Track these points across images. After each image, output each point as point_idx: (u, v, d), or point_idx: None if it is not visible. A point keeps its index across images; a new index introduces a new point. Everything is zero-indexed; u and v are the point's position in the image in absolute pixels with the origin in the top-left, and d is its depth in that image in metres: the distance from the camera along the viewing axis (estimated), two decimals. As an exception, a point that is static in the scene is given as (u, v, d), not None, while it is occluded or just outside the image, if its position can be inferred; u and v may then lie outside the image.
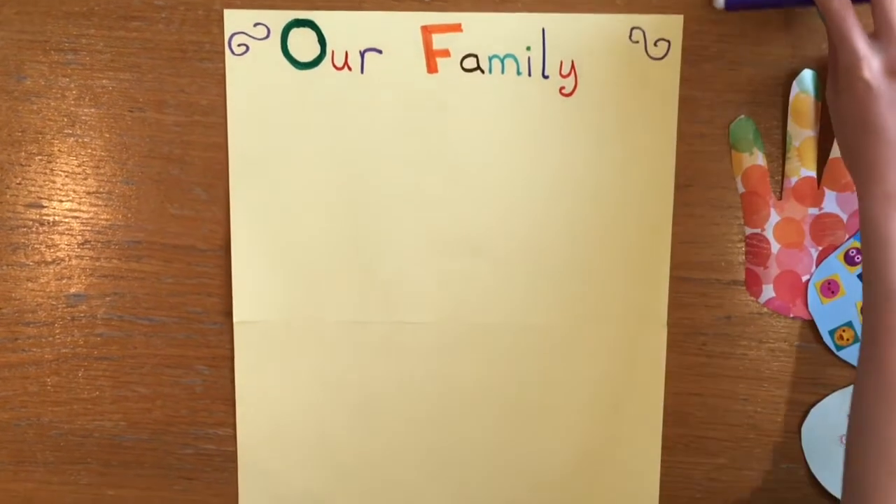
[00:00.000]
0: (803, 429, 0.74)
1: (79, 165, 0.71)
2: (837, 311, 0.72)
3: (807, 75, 0.68)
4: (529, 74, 0.69)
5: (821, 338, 0.72)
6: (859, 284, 0.70)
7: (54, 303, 0.73)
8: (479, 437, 0.74)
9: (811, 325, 0.72)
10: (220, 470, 0.76)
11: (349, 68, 0.69)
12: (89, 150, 0.71)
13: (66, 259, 0.72)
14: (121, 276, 0.72)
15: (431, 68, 0.69)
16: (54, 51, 0.70)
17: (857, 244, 0.70)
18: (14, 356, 0.73)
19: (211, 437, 0.75)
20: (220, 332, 0.73)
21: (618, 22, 0.68)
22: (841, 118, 0.62)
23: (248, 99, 0.70)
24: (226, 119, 0.70)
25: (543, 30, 0.68)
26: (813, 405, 0.74)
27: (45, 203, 0.72)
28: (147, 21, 0.69)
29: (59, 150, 0.71)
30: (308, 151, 0.70)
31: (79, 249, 0.72)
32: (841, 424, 0.73)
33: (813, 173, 0.70)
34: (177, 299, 0.73)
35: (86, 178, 0.71)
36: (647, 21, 0.68)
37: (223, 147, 0.70)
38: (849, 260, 0.71)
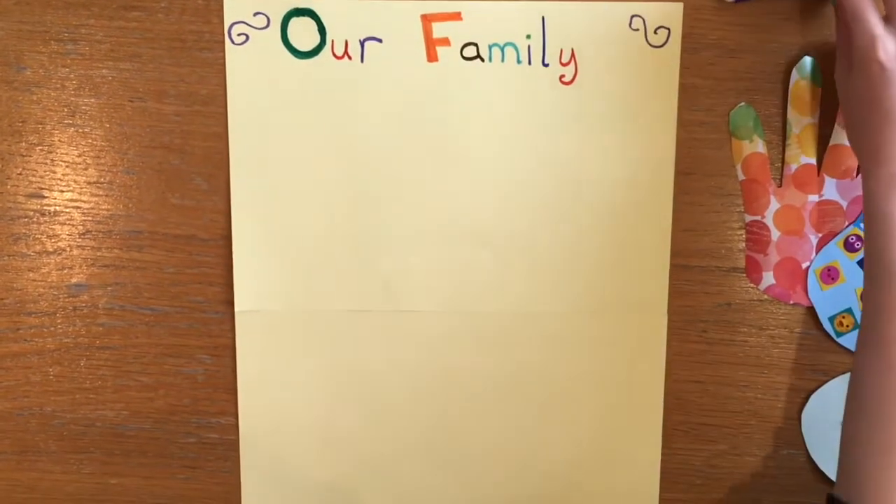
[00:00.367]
0: (803, 415, 0.74)
1: (79, 155, 0.71)
2: (837, 298, 0.72)
3: (807, 62, 0.68)
4: (529, 63, 0.69)
5: (821, 324, 0.72)
6: (859, 271, 0.71)
7: (56, 293, 0.73)
8: (480, 426, 0.74)
9: (811, 311, 0.73)
10: (223, 459, 0.76)
11: (349, 57, 0.69)
12: (90, 141, 0.71)
13: (68, 249, 0.72)
14: (122, 265, 0.72)
15: (431, 57, 0.69)
16: (54, 41, 0.70)
17: (857, 231, 0.70)
18: (16, 346, 0.74)
19: (213, 426, 0.75)
20: (221, 321, 0.73)
21: (618, 10, 0.68)
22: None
23: (248, 88, 0.70)
24: (226, 109, 0.70)
25: (543, 18, 0.68)
26: (813, 391, 0.74)
27: (46, 193, 0.72)
28: (147, 11, 0.69)
29: (59, 141, 0.71)
30: (308, 141, 0.70)
31: (80, 239, 0.72)
32: (841, 410, 0.74)
33: (813, 160, 0.70)
34: (178, 289, 0.73)
35: (86, 168, 0.71)
36: (647, 9, 0.68)
37: (223, 137, 0.70)
38: (849, 247, 0.71)
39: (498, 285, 0.72)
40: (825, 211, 0.70)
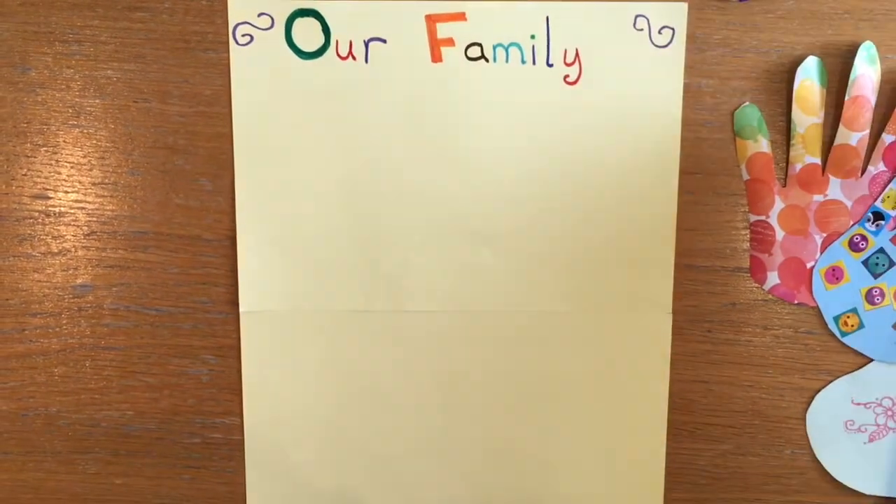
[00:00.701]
0: (808, 415, 0.74)
1: (84, 156, 0.71)
2: (842, 298, 0.72)
3: (811, 62, 0.68)
4: (534, 63, 0.69)
5: (825, 324, 0.72)
6: (864, 271, 0.71)
7: (61, 293, 0.73)
8: (484, 425, 0.74)
9: (816, 311, 0.73)
10: (227, 459, 0.76)
11: (353, 58, 0.69)
12: (94, 141, 0.71)
13: (73, 250, 0.72)
14: (127, 266, 0.73)
15: (436, 57, 0.69)
16: (59, 42, 0.70)
17: (862, 231, 0.70)
18: (21, 347, 0.74)
19: (218, 427, 0.75)
20: (226, 321, 0.73)
21: (622, 10, 0.68)
22: None
23: (252, 89, 0.70)
24: (230, 109, 0.70)
25: (547, 18, 0.68)
26: (818, 391, 0.74)
27: (50, 194, 0.72)
28: (151, 11, 0.69)
29: (64, 142, 0.71)
30: (313, 141, 0.70)
31: (85, 240, 0.72)
32: (846, 410, 0.74)
33: (817, 160, 0.70)
34: (183, 289, 0.73)
35: (91, 169, 0.71)
36: (652, 8, 0.68)
37: (228, 137, 0.70)
38: (853, 246, 0.71)
39: (502, 285, 0.72)
40: (830, 211, 0.70)
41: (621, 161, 0.70)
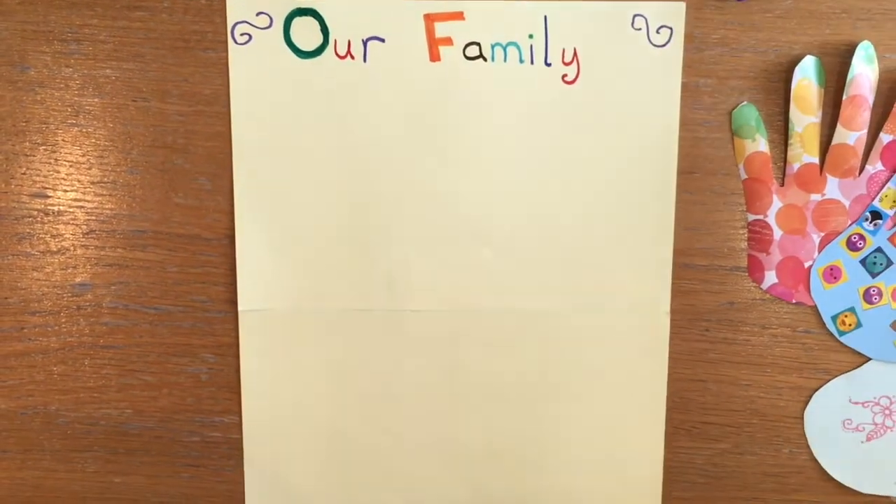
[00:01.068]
0: (806, 414, 0.74)
1: (83, 155, 0.71)
2: (840, 297, 0.72)
3: (809, 62, 0.68)
4: (532, 62, 0.69)
5: (823, 323, 0.72)
6: (861, 270, 0.71)
7: (60, 292, 0.73)
8: (483, 424, 0.75)
9: (813, 310, 0.73)
10: (226, 457, 0.76)
11: (352, 57, 0.69)
12: (93, 140, 0.71)
13: (72, 248, 0.72)
14: (126, 265, 0.73)
15: (434, 57, 0.69)
16: (58, 41, 0.70)
17: (860, 230, 0.70)
18: (20, 345, 0.74)
19: (216, 425, 0.75)
20: (224, 320, 0.73)
21: (620, 9, 0.68)
22: None
23: (250, 88, 0.70)
24: (229, 108, 0.70)
25: (546, 17, 0.68)
26: (815, 390, 0.74)
27: (49, 193, 0.72)
28: (150, 10, 0.69)
29: (63, 140, 0.71)
30: (311, 140, 0.70)
31: (84, 239, 0.72)
32: (843, 409, 0.74)
33: (815, 160, 0.70)
34: (182, 288, 0.73)
35: (90, 168, 0.71)
36: (650, 8, 0.68)
37: (227, 136, 0.71)
38: (851, 246, 0.71)
39: (501, 284, 0.72)
40: (827, 210, 0.71)
41: (619, 160, 0.70)
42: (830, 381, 0.74)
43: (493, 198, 0.71)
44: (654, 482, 0.76)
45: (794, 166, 0.70)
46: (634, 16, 0.68)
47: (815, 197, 0.71)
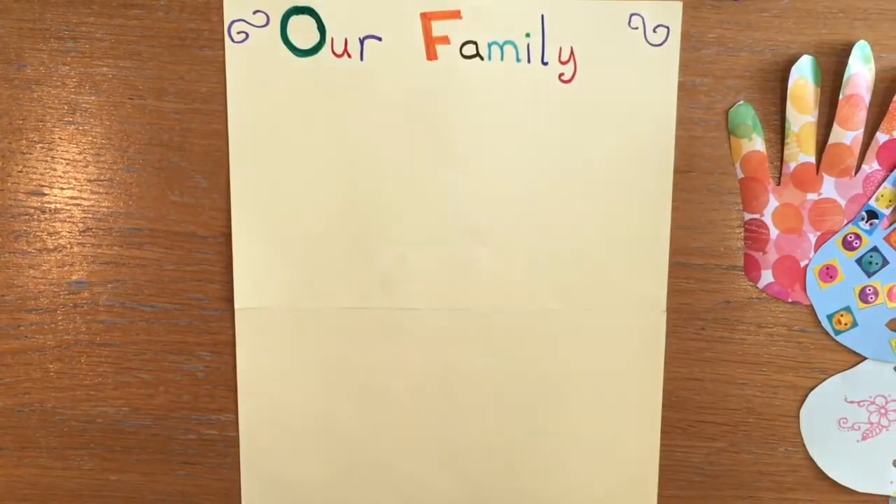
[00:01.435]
0: (801, 412, 0.74)
1: (80, 153, 0.71)
2: (836, 296, 0.72)
3: (806, 61, 0.68)
4: (529, 61, 0.69)
5: (819, 322, 0.73)
6: (857, 269, 0.71)
7: (56, 290, 0.73)
8: (478, 422, 0.75)
9: (809, 309, 0.73)
10: (222, 455, 0.76)
11: (349, 55, 0.69)
12: (90, 138, 0.71)
13: (68, 246, 0.72)
14: (122, 263, 0.73)
15: (431, 55, 0.69)
16: (54, 39, 0.70)
17: (856, 229, 0.70)
18: (17, 343, 0.74)
19: (213, 423, 0.75)
20: (221, 318, 0.73)
21: (617, 8, 0.68)
22: None
23: (247, 86, 0.70)
24: (225, 106, 0.70)
25: (542, 16, 0.68)
26: (811, 389, 0.74)
27: (46, 191, 0.72)
28: (146, 9, 0.69)
29: (59, 138, 0.71)
30: (308, 138, 0.70)
31: (80, 237, 0.72)
32: (839, 408, 0.74)
33: (812, 159, 0.70)
34: (178, 286, 0.73)
35: (87, 166, 0.71)
36: (647, 7, 0.68)
37: (223, 134, 0.71)
38: (847, 245, 0.71)
39: (496, 283, 0.72)
40: (824, 209, 0.71)
41: (616, 159, 0.70)
42: (826, 380, 0.74)
43: (490, 196, 0.71)
44: (649, 480, 0.76)
45: (791, 165, 0.70)
46: (631, 15, 0.68)
47: (812, 196, 0.71)
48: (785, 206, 0.71)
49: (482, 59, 0.69)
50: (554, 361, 0.73)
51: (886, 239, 0.70)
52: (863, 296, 0.71)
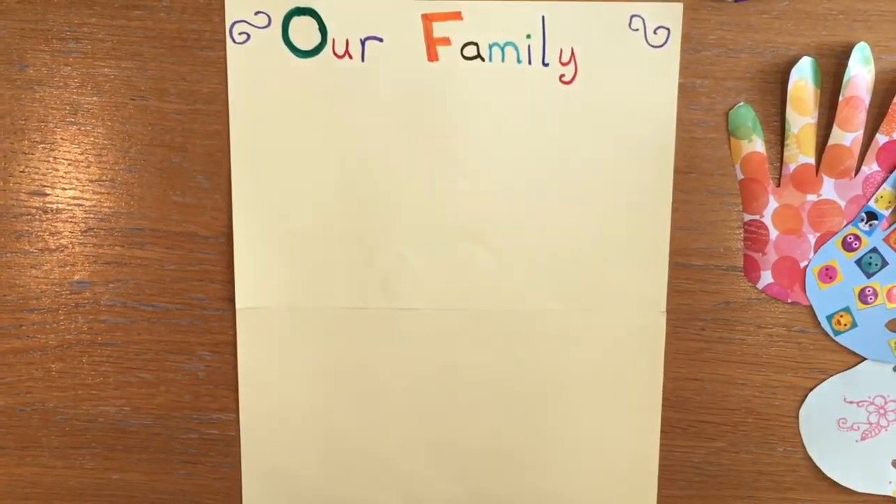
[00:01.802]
0: (801, 413, 0.75)
1: (81, 153, 0.71)
2: (835, 297, 0.72)
3: (806, 63, 0.68)
4: (529, 62, 0.69)
5: (818, 323, 0.73)
6: (857, 270, 0.71)
7: (58, 290, 0.73)
8: (478, 422, 0.75)
9: (809, 310, 0.73)
10: (223, 454, 0.76)
11: (350, 56, 0.69)
12: (92, 139, 0.71)
13: (70, 246, 0.73)
14: (124, 262, 0.73)
15: (432, 56, 0.69)
16: (56, 39, 0.70)
17: (855, 231, 0.71)
18: (19, 342, 0.74)
19: (214, 422, 0.76)
20: (222, 318, 0.74)
21: (617, 10, 0.68)
22: None
23: (249, 87, 0.70)
24: (227, 107, 0.70)
25: (543, 17, 0.69)
26: (810, 389, 0.74)
27: (48, 191, 0.72)
28: (148, 9, 0.69)
29: (61, 139, 0.71)
30: (309, 139, 0.70)
31: (82, 237, 0.72)
32: (838, 408, 0.74)
33: (811, 160, 0.70)
34: (179, 286, 0.73)
35: (88, 166, 0.72)
36: (647, 9, 0.68)
37: (224, 135, 0.71)
38: (846, 246, 0.71)
39: (496, 283, 0.72)
40: (823, 210, 0.71)
41: (616, 160, 0.70)
42: (825, 381, 0.74)
43: (490, 197, 0.71)
44: (649, 480, 0.76)
45: (791, 167, 0.70)
46: (632, 16, 0.69)
47: (811, 197, 0.71)
48: (784, 207, 0.71)
49: (483, 60, 0.69)
50: (554, 362, 0.74)
51: (886, 240, 0.71)
52: (862, 297, 0.72)
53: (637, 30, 0.69)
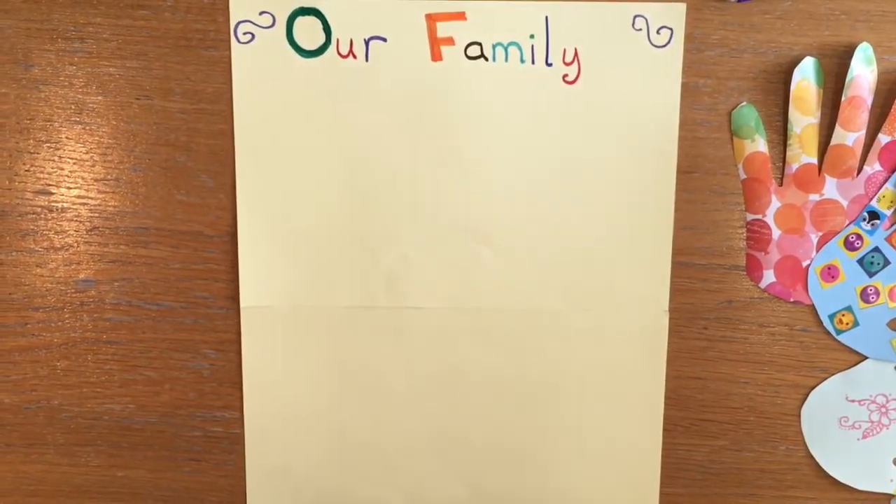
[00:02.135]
0: (802, 411, 0.75)
1: (86, 153, 0.72)
2: (837, 296, 0.72)
3: (808, 63, 0.69)
4: (533, 62, 0.69)
5: (820, 322, 0.73)
6: (859, 270, 0.71)
7: (63, 288, 0.73)
8: (482, 421, 0.75)
9: (811, 309, 0.73)
10: (228, 452, 0.76)
11: (354, 56, 0.69)
12: (97, 138, 0.71)
13: (75, 245, 0.73)
14: (129, 261, 0.73)
15: (436, 56, 0.69)
16: (61, 39, 0.70)
17: (857, 230, 0.71)
18: (24, 340, 0.74)
19: (218, 420, 0.76)
20: (226, 316, 0.74)
21: (621, 10, 0.69)
22: None
23: (253, 87, 0.70)
24: (231, 107, 0.70)
25: (547, 17, 0.69)
26: (812, 388, 0.74)
27: (53, 190, 0.72)
28: (153, 9, 0.69)
29: (66, 138, 0.71)
30: (313, 139, 0.71)
31: (87, 235, 0.73)
32: (840, 407, 0.74)
33: (814, 160, 0.70)
34: (184, 284, 0.74)
35: (93, 166, 0.72)
36: (650, 9, 0.68)
37: (229, 134, 0.71)
38: (849, 245, 0.71)
39: (500, 282, 0.73)
40: (826, 210, 0.71)
41: (619, 160, 0.71)
42: (827, 380, 0.74)
43: (493, 197, 0.71)
44: (651, 479, 0.76)
45: (793, 166, 0.70)
46: (635, 16, 0.69)
47: (814, 197, 0.71)
48: (787, 206, 0.71)
49: (487, 60, 0.69)
50: (557, 360, 0.74)
51: (888, 239, 0.71)
52: (864, 296, 0.72)
53: (640, 30, 0.69)
